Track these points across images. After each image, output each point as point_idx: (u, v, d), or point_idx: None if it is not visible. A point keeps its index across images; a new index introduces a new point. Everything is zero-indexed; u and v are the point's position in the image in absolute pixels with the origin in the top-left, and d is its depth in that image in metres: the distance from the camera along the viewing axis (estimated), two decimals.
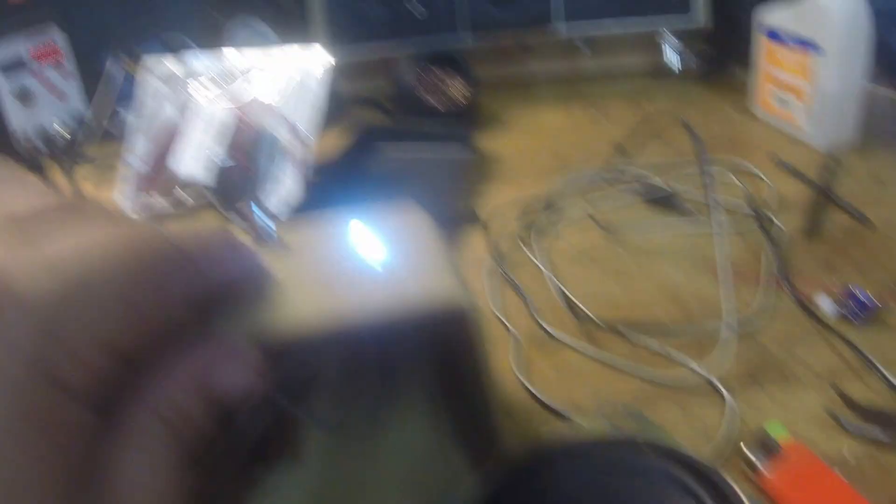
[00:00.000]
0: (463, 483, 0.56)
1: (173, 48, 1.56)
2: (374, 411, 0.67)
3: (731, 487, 0.47)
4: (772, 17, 1.25)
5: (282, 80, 1.21)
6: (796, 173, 1.09)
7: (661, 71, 1.55)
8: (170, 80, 1.30)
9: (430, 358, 0.70)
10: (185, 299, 0.36)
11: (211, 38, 1.61)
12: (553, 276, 0.89)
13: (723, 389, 0.70)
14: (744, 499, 0.47)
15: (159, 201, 1.23)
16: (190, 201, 1.21)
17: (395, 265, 0.57)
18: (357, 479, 0.66)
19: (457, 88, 1.40)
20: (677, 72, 1.50)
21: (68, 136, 1.57)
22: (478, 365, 0.52)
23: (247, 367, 0.38)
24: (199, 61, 1.29)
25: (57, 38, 1.56)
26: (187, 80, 1.29)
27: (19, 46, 1.51)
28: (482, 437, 0.57)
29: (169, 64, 1.30)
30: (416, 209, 0.66)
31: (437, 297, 0.50)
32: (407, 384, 0.72)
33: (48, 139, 1.57)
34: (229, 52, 1.29)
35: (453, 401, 0.70)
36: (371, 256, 0.57)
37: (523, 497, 0.50)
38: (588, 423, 0.55)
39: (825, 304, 0.79)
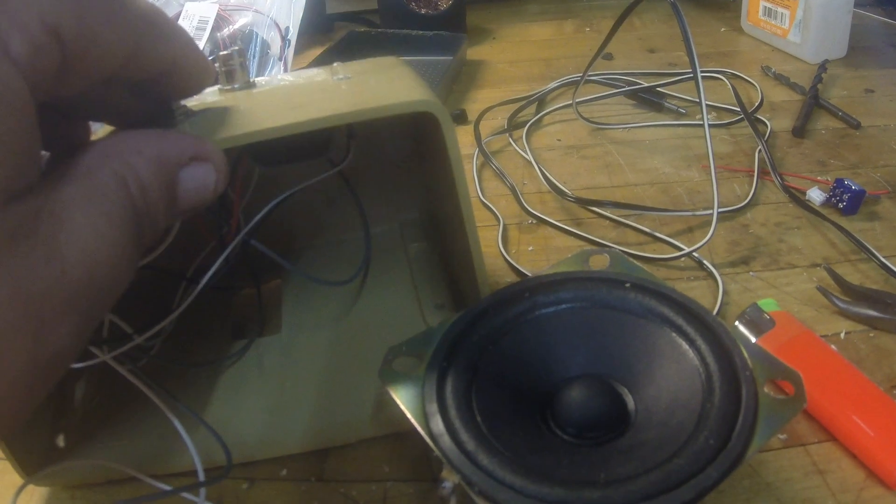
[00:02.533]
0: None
1: None
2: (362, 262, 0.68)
3: (719, 322, 0.46)
4: None
5: None
6: (786, 81, 1.08)
7: None
8: None
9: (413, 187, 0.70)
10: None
11: None
12: (538, 164, 0.88)
13: (712, 268, 0.70)
14: (733, 335, 0.46)
15: None
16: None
17: (367, 83, 0.58)
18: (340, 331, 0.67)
19: None
20: None
21: None
22: (454, 173, 0.52)
23: (212, 169, 0.40)
24: None
25: None
26: None
27: None
28: (464, 262, 0.57)
29: None
30: (397, 59, 0.67)
31: (402, 99, 0.50)
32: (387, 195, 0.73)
33: None
34: None
35: (438, 233, 0.71)
36: (345, 79, 0.57)
37: (499, 325, 0.49)
38: (563, 265, 0.54)
39: (815, 195, 0.79)
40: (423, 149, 0.68)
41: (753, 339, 0.59)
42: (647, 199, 0.82)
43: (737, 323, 0.61)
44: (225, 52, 0.60)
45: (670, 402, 0.45)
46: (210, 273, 0.55)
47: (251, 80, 0.61)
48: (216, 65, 0.60)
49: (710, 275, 0.70)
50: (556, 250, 0.75)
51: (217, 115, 0.55)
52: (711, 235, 0.71)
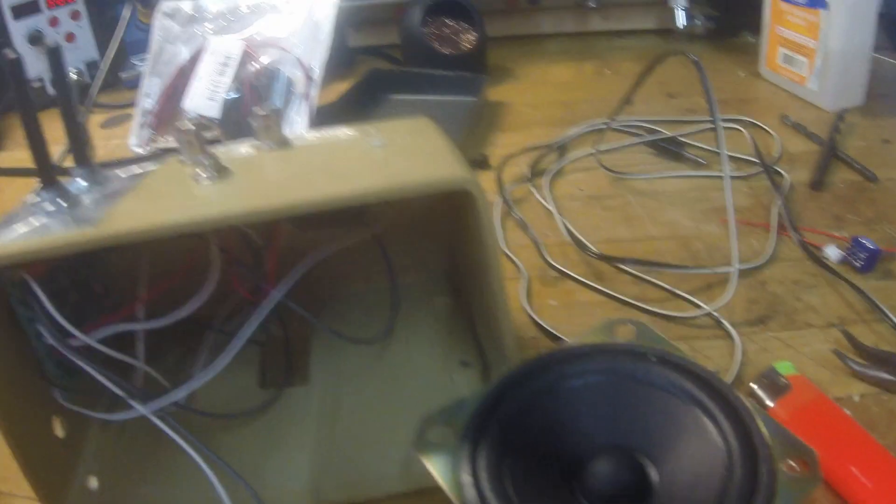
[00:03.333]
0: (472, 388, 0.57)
1: None
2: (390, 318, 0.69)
3: (742, 402, 0.48)
4: None
5: (290, 17, 1.21)
6: (804, 130, 1.09)
7: (669, 31, 1.54)
8: (182, 21, 1.30)
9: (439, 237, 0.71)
10: None
11: None
12: (560, 216, 0.89)
13: (730, 328, 0.71)
14: (752, 410, 0.47)
15: (170, 141, 1.24)
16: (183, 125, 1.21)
17: (403, 152, 0.59)
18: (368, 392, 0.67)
19: (465, 36, 1.40)
20: (684, 31, 1.49)
21: (80, 81, 1.57)
22: (487, 246, 0.53)
23: None
24: (211, 2, 1.29)
25: None
26: (199, 21, 1.29)
27: None
28: (492, 331, 0.58)
29: (182, 6, 1.30)
30: (426, 117, 0.68)
31: (442, 175, 0.52)
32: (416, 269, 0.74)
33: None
34: None
35: (463, 287, 0.72)
36: (380, 146, 0.59)
37: (528, 397, 0.50)
38: (590, 335, 0.55)
39: (831, 252, 0.80)
40: (451, 208, 0.69)
41: (770, 403, 0.61)
42: (667, 254, 0.83)
43: (754, 385, 0.63)
44: (261, 110, 0.62)
45: (692, 477, 0.46)
46: (248, 331, 0.56)
47: (286, 137, 0.62)
48: (252, 120, 0.62)
49: (728, 334, 0.71)
50: (578, 305, 0.77)
51: (256, 178, 0.57)
52: (730, 296, 0.73)
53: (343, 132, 0.67)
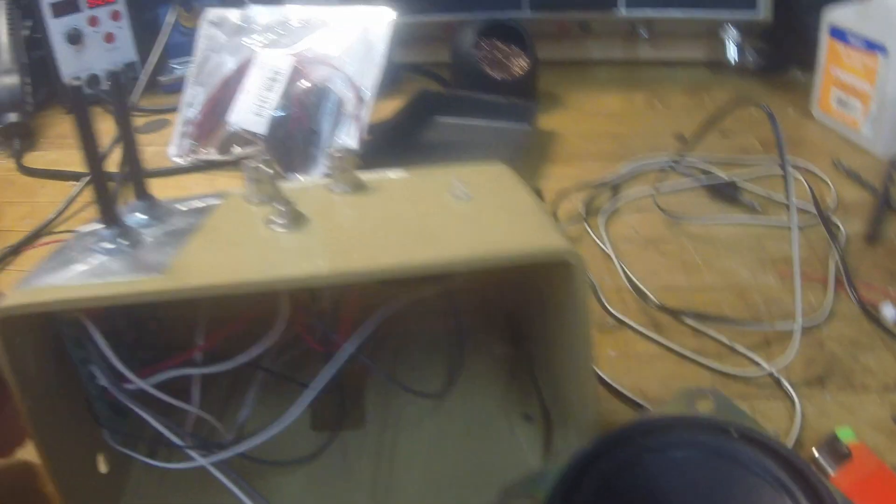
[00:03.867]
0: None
1: (231, 3, 1.56)
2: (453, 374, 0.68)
3: (825, 486, 0.47)
4: (837, 16, 1.23)
5: (343, 35, 1.20)
6: (857, 178, 1.08)
7: (719, 63, 1.54)
8: (229, 31, 1.29)
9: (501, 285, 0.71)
10: None
11: None
12: (619, 260, 0.89)
13: (791, 390, 0.71)
14: (832, 491, 0.47)
15: (211, 153, 1.23)
16: (243, 153, 1.21)
17: (492, 210, 0.58)
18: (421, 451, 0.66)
19: (516, 61, 1.39)
20: (735, 65, 1.48)
21: (119, 83, 1.56)
22: (581, 318, 0.52)
23: None
24: (260, 13, 1.29)
25: None
26: (246, 32, 1.28)
27: None
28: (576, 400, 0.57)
29: (229, 15, 1.30)
30: (507, 168, 0.67)
31: (542, 245, 0.51)
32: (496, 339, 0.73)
33: (97, 84, 1.57)
34: (291, 8, 1.29)
35: (525, 338, 0.71)
36: (466, 200, 0.58)
37: (612, 470, 0.50)
38: (670, 406, 0.55)
39: (888, 312, 0.79)
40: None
41: (832, 472, 0.61)
42: (724, 305, 0.83)
43: (816, 453, 0.62)
44: (338, 152, 0.61)
45: None
46: (320, 382, 0.56)
47: (361, 180, 0.62)
48: (328, 161, 0.61)
49: (788, 395, 0.70)
50: (637, 357, 0.76)
51: (336, 230, 0.56)
52: (792, 358, 0.72)
53: (421, 178, 0.66)
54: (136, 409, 0.54)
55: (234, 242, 0.56)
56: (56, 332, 0.54)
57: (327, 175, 0.63)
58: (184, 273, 0.49)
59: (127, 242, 0.53)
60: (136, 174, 0.59)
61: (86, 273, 0.50)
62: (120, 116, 0.57)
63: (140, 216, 0.58)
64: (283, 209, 0.55)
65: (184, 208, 0.61)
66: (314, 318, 0.61)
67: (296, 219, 0.55)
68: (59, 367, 0.55)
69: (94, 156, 0.51)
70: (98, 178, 0.52)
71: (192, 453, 0.56)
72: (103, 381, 0.54)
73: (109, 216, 0.53)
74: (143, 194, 0.60)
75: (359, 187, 0.62)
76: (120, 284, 0.49)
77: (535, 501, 0.48)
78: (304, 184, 0.66)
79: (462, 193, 0.58)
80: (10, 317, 0.48)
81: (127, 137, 0.57)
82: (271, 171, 0.58)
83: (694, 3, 1.47)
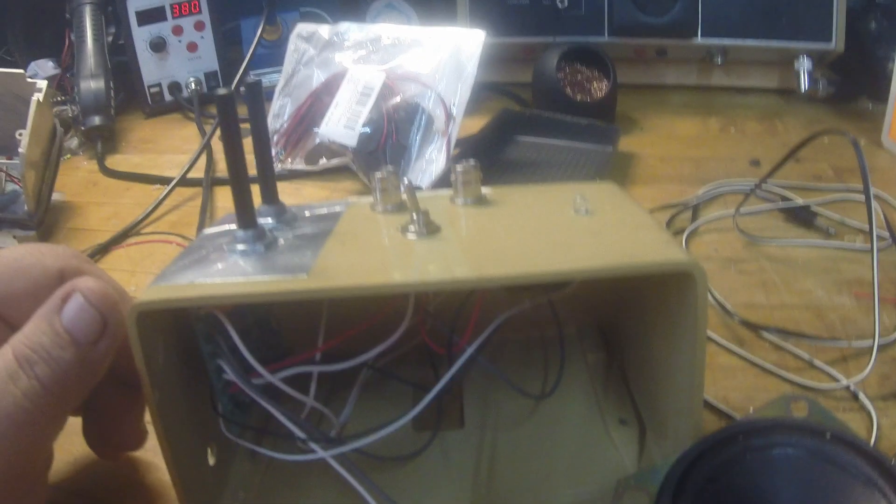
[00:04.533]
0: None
1: (318, 18, 1.61)
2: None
3: None
4: None
5: (434, 54, 1.24)
6: None
7: (790, 91, 1.56)
8: (318, 45, 1.33)
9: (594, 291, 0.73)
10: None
11: (352, 16, 1.65)
12: None
13: (868, 403, 0.74)
14: None
15: (298, 163, 1.27)
16: (330, 164, 1.25)
17: (614, 224, 0.61)
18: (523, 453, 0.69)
19: (597, 84, 1.42)
20: (805, 94, 1.50)
21: (199, 91, 1.61)
22: (698, 331, 0.54)
23: (80, 297, 0.53)
24: (351, 30, 1.33)
25: None
26: (337, 47, 1.32)
27: None
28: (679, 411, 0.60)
29: (320, 31, 1.34)
30: (618, 186, 0.70)
31: (667, 257, 0.54)
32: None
33: (179, 91, 1.62)
34: (382, 26, 1.33)
35: (618, 345, 0.74)
36: (587, 215, 0.61)
37: (717, 467, 0.53)
38: (768, 410, 0.58)
39: None
40: None
41: None
42: (803, 323, 0.86)
43: (892, 461, 0.65)
44: (464, 166, 0.64)
45: None
46: (440, 386, 0.59)
47: (483, 194, 0.65)
48: (451, 175, 0.65)
49: (864, 408, 0.73)
50: (720, 369, 0.80)
51: (469, 238, 0.59)
52: (870, 371, 0.75)
53: (541, 193, 0.69)
54: (263, 403, 0.57)
55: (371, 247, 0.58)
56: (183, 326, 0.57)
57: (445, 182, 0.65)
58: (327, 275, 0.52)
59: (262, 245, 0.56)
60: (267, 179, 0.62)
61: (223, 272, 0.53)
62: (255, 121, 0.59)
63: (269, 220, 0.62)
64: (417, 217, 0.58)
65: (309, 214, 0.65)
66: (437, 322, 0.64)
67: (429, 227, 0.58)
68: (183, 360, 0.58)
69: (237, 157, 0.54)
70: (239, 180, 0.55)
71: (314, 446, 0.58)
72: (231, 374, 0.57)
73: (247, 218, 0.56)
74: (271, 200, 0.62)
75: (481, 200, 0.65)
76: (268, 283, 0.51)
77: (649, 493, 0.52)
78: (426, 195, 0.68)
79: (584, 208, 0.61)
80: (146, 311, 0.51)
81: (261, 142, 0.60)
82: (407, 181, 0.61)
83: (770, 33, 1.49)
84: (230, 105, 0.53)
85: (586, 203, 0.62)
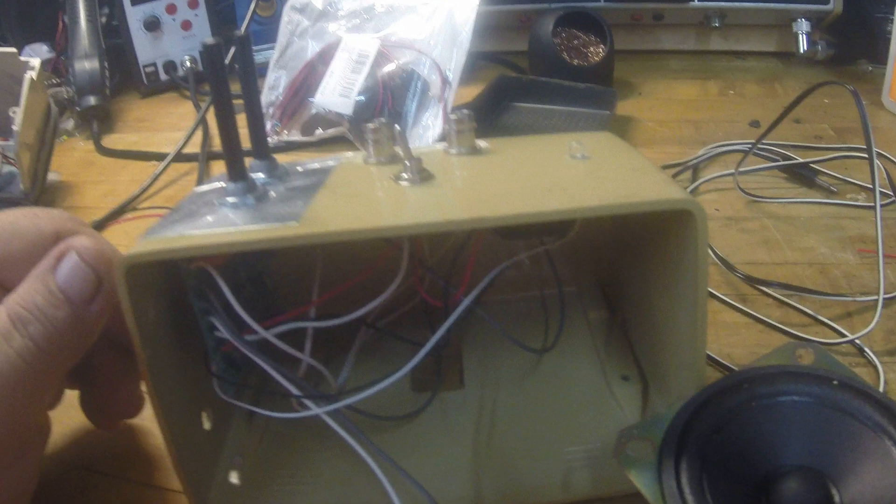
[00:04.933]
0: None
1: None
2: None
3: None
4: None
5: (428, 20, 1.23)
6: None
7: (789, 54, 1.56)
8: (312, 16, 1.32)
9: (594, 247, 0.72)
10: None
11: None
12: None
13: (874, 357, 0.73)
14: None
15: (294, 134, 1.26)
16: (326, 134, 1.24)
17: (611, 167, 0.60)
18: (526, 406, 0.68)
19: (593, 48, 1.41)
20: (804, 56, 1.49)
21: (194, 69, 1.60)
22: (699, 269, 0.53)
23: (75, 256, 0.53)
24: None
25: None
26: (331, 17, 1.31)
27: None
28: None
29: (313, 1, 1.33)
30: (614, 135, 0.69)
31: (667, 194, 0.53)
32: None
33: (174, 70, 1.61)
34: None
35: (620, 301, 0.73)
36: (584, 160, 0.60)
37: (722, 415, 0.52)
38: (773, 358, 0.57)
39: None
40: (614, 223, 0.70)
41: None
42: (806, 280, 0.85)
43: None
44: (457, 115, 0.63)
45: (873, 501, 0.48)
46: (438, 335, 0.58)
47: (478, 144, 0.64)
48: (446, 126, 0.64)
49: (871, 362, 0.73)
50: (724, 325, 0.79)
51: (464, 184, 0.58)
52: (875, 325, 0.74)
53: (535, 142, 0.68)
54: (257, 360, 0.56)
55: (364, 196, 0.58)
56: (174, 283, 0.56)
57: (443, 139, 0.65)
58: (320, 221, 0.51)
59: (252, 197, 0.55)
60: (258, 134, 0.60)
61: (212, 224, 0.52)
62: (244, 80, 0.58)
63: (260, 175, 0.60)
64: (410, 164, 0.57)
65: (301, 169, 0.64)
66: (434, 273, 0.63)
67: (422, 174, 0.57)
68: (174, 318, 0.57)
69: (227, 111, 0.53)
70: (228, 134, 0.54)
71: (308, 403, 0.57)
72: (224, 332, 0.55)
73: (237, 171, 0.55)
74: (262, 155, 0.61)
75: (476, 150, 0.64)
76: (258, 231, 0.50)
77: (652, 443, 0.51)
78: (421, 148, 0.67)
79: (580, 154, 0.60)
80: (135, 265, 0.49)
81: (250, 98, 0.58)
82: (397, 128, 0.60)
83: None
84: (217, 55, 0.52)
85: (583, 148, 0.61)
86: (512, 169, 0.62)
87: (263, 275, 0.66)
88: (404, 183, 0.57)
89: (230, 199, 0.55)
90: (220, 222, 0.52)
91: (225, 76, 0.53)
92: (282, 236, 0.50)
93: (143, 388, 0.55)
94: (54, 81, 1.49)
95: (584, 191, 0.55)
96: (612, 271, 0.76)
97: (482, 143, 0.65)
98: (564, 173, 0.59)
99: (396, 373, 0.58)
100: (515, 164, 0.63)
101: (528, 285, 0.76)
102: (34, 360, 0.49)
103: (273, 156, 0.62)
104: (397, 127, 0.60)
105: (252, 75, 0.59)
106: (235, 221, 0.52)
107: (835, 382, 0.53)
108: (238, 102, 0.53)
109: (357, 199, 0.57)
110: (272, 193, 0.57)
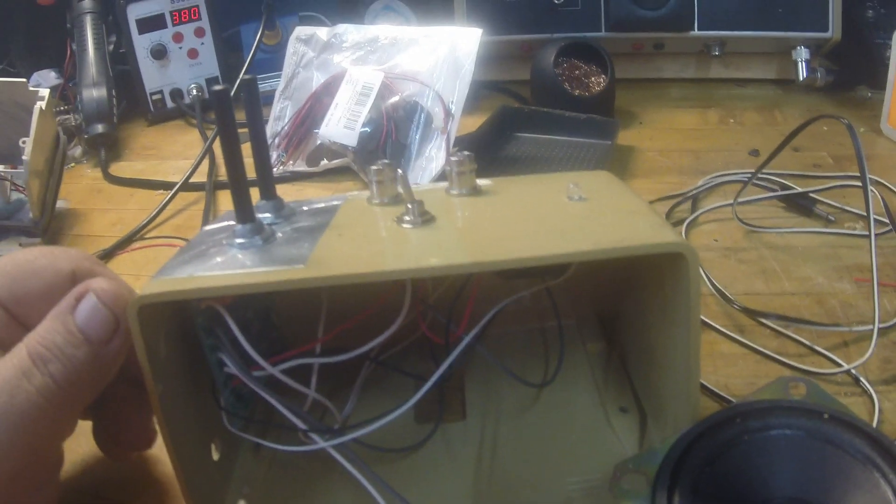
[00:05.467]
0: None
1: (315, 21, 1.62)
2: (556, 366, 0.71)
3: None
4: None
5: (431, 53, 1.25)
6: None
7: (788, 81, 1.57)
8: (317, 47, 1.34)
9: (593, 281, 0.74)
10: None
11: (350, 18, 1.65)
12: (702, 269, 0.92)
13: (869, 387, 0.74)
14: None
15: (300, 165, 1.27)
16: (331, 165, 1.25)
17: (607, 209, 0.61)
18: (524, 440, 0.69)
19: (595, 79, 1.43)
20: (804, 83, 1.50)
21: (201, 97, 1.62)
22: (692, 311, 0.55)
23: (93, 297, 0.54)
24: (349, 32, 1.33)
25: (200, 1, 1.61)
26: (335, 49, 1.33)
27: (164, 4, 1.57)
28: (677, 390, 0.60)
29: (318, 33, 1.34)
30: (612, 175, 0.70)
31: (658, 238, 0.54)
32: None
33: (181, 98, 1.62)
34: (380, 27, 1.34)
35: (617, 334, 0.74)
36: (581, 202, 0.61)
37: (715, 449, 0.53)
38: (766, 392, 0.58)
39: None
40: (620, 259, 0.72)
41: None
42: (803, 310, 0.87)
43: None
44: (458, 157, 0.64)
45: None
46: (439, 373, 0.59)
47: (478, 185, 0.65)
48: (447, 167, 0.65)
49: (866, 392, 0.74)
50: (721, 357, 0.80)
51: (464, 226, 0.59)
52: (870, 355, 0.76)
53: (534, 182, 0.69)
54: (265, 395, 0.57)
55: (368, 238, 0.59)
56: (185, 320, 0.58)
57: (445, 179, 0.66)
58: (325, 264, 0.52)
59: (260, 238, 0.57)
60: (265, 175, 0.62)
61: (222, 265, 0.54)
62: (251, 119, 0.60)
63: (267, 215, 0.62)
64: (412, 207, 0.59)
65: (307, 209, 0.65)
66: (435, 311, 0.64)
67: (424, 216, 0.58)
68: (185, 354, 0.59)
69: (234, 154, 0.55)
70: (237, 177, 0.56)
71: (314, 436, 0.58)
72: (233, 368, 0.57)
73: (245, 213, 0.57)
74: (269, 195, 0.63)
75: (476, 190, 0.65)
76: (265, 274, 0.52)
77: (647, 476, 0.52)
78: (422, 187, 0.69)
79: (577, 196, 0.62)
80: (147, 305, 0.51)
81: (258, 139, 0.60)
82: (400, 172, 0.61)
83: (766, 23, 1.49)
84: (226, 101, 0.54)
85: (580, 190, 0.62)
86: (511, 211, 0.63)
87: (270, 312, 0.68)
88: (406, 225, 0.59)
89: (238, 241, 0.57)
90: (229, 263, 0.54)
91: (234, 121, 0.54)
92: (288, 279, 0.51)
93: (155, 421, 0.56)
94: (62, 108, 1.51)
95: (579, 234, 0.57)
96: (610, 305, 0.77)
97: (483, 183, 0.66)
98: (562, 216, 0.61)
99: (399, 408, 0.60)
100: (514, 206, 0.64)
101: (529, 318, 0.77)
102: (53, 398, 0.51)
103: (279, 196, 0.63)
104: (399, 171, 0.61)
105: (258, 118, 0.60)
106: (244, 263, 0.54)
107: (825, 416, 0.54)
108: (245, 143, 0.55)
109: (360, 241, 0.59)
110: (279, 234, 0.58)
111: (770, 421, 0.54)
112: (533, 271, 0.66)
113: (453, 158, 0.65)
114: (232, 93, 0.57)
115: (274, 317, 0.68)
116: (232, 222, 0.57)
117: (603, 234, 0.57)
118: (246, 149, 0.55)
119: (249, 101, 0.59)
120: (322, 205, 0.66)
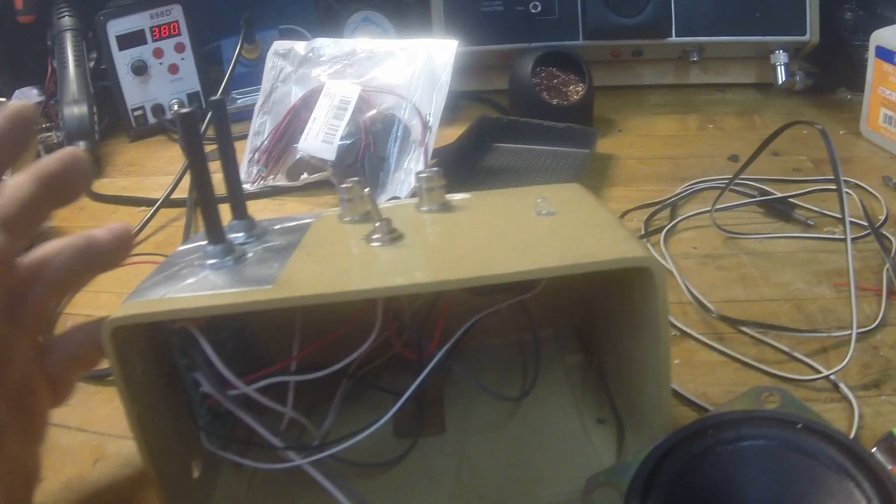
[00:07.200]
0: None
1: (294, 35, 1.62)
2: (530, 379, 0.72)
3: (886, 471, 0.51)
4: (883, 37, 1.26)
5: (408, 65, 1.25)
6: None
7: (768, 85, 1.57)
8: (295, 62, 1.34)
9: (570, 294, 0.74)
10: None
11: (330, 31, 1.66)
12: (681, 276, 0.92)
13: (848, 393, 0.74)
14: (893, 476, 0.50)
15: (280, 179, 1.27)
16: (311, 179, 1.25)
17: (575, 224, 0.61)
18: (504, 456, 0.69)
19: (573, 87, 1.43)
20: (783, 87, 1.51)
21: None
22: (660, 324, 0.56)
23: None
24: (326, 45, 1.33)
25: (179, 17, 1.60)
26: (313, 63, 1.33)
27: (143, 20, 1.57)
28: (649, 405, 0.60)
29: (296, 47, 1.34)
30: (582, 187, 0.70)
31: (623, 253, 0.54)
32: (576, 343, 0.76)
33: (163, 113, 1.62)
34: (357, 41, 1.34)
35: (595, 346, 0.74)
36: (550, 216, 0.61)
37: (687, 461, 0.53)
38: (739, 402, 0.58)
39: None
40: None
41: (890, 466, 0.63)
42: (782, 316, 0.86)
43: (873, 450, 0.65)
44: (427, 173, 0.65)
45: None
46: (410, 391, 0.60)
47: (448, 201, 0.65)
48: (417, 183, 0.65)
49: (845, 397, 0.74)
50: (700, 365, 0.80)
51: (433, 244, 0.59)
52: (849, 361, 0.75)
53: (504, 197, 0.69)
54: (239, 413, 0.58)
55: (337, 257, 0.60)
56: (160, 341, 0.58)
57: (415, 195, 0.66)
58: (292, 285, 0.53)
59: (231, 259, 0.57)
60: (235, 195, 0.62)
61: (193, 286, 0.55)
62: (221, 139, 0.60)
63: (239, 235, 0.62)
64: (380, 225, 0.59)
65: (278, 227, 0.66)
66: (407, 328, 0.65)
67: (392, 234, 0.59)
68: (160, 375, 0.59)
69: (203, 176, 0.56)
70: (206, 199, 0.57)
71: (290, 454, 0.59)
72: (207, 387, 0.58)
73: (216, 234, 0.58)
74: (241, 214, 0.63)
75: (446, 206, 0.66)
76: (234, 295, 0.53)
77: (619, 490, 0.52)
78: (393, 204, 0.69)
79: (545, 210, 0.62)
80: (120, 327, 0.52)
81: (227, 158, 0.61)
82: (368, 190, 0.62)
83: (744, 28, 1.49)
84: (192, 124, 0.54)
85: (548, 204, 0.62)
86: (479, 227, 0.63)
87: (246, 331, 0.68)
88: (375, 244, 0.59)
89: (210, 262, 0.57)
90: (200, 285, 0.55)
91: (201, 143, 0.55)
92: (256, 300, 0.52)
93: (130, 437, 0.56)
94: (44, 126, 1.51)
95: (546, 250, 0.57)
96: (587, 316, 0.77)
97: (453, 199, 0.67)
98: (529, 232, 0.61)
99: (375, 423, 0.60)
100: (482, 222, 0.64)
101: (506, 331, 0.77)
102: None
103: (251, 215, 0.63)
104: (367, 189, 0.62)
105: (228, 138, 0.61)
106: (215, 283, 0.55)
107: (799, 426, 0.54)
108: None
109: (329, 260, 0.59)
110: (250, 254, 0.59)
111: (743, 432, 0.54)
112: (503, 287, 0.66)
113: (422, 175, 0.65)
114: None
115: (249, 335, 0.68)
116: (204, 242, 0.58)
117: (568, 250, 0.57)
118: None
119: (218, 121, 0.59)
120: (293, 223, 0.66)
